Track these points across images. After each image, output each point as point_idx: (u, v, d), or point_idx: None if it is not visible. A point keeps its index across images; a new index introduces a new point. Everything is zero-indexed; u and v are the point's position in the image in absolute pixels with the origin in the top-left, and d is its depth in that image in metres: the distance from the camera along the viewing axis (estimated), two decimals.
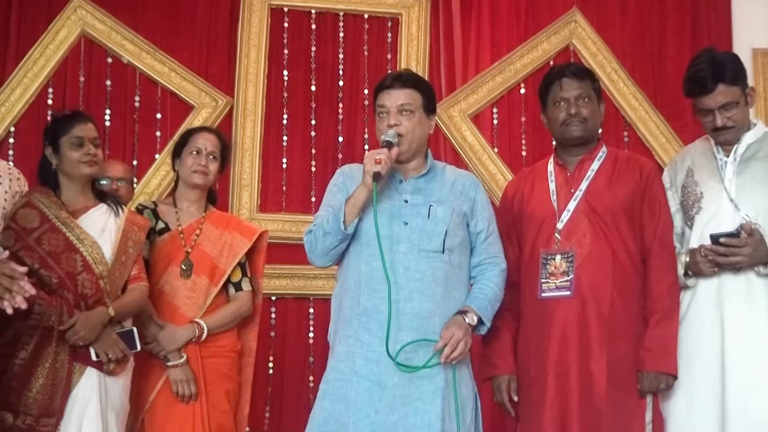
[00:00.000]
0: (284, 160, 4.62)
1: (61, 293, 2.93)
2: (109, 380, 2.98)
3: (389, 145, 2.76)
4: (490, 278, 2.86)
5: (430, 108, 2.90)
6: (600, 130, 4.54)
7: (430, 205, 2.81)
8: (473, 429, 2.81)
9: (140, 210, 3.33)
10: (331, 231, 2.76)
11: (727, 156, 3.01)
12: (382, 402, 2.68)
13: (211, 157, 3.35)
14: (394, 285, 2.67)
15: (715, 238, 2.88)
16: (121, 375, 3.02)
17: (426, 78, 4.56)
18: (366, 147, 4.58)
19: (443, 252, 2.78)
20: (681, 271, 2.97)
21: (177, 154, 3.41)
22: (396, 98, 2.82)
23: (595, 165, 3.06)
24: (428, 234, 2.78)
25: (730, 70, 2.94)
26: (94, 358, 2.93)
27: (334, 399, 2.73)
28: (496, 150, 4.69)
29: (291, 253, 4.50)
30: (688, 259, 2.96)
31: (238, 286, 3.38)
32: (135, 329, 3.06)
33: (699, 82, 2.96)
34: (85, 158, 3.05)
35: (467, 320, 2.74)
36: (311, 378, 4.38)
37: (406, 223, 2.77)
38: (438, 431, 2.67)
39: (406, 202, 2.82)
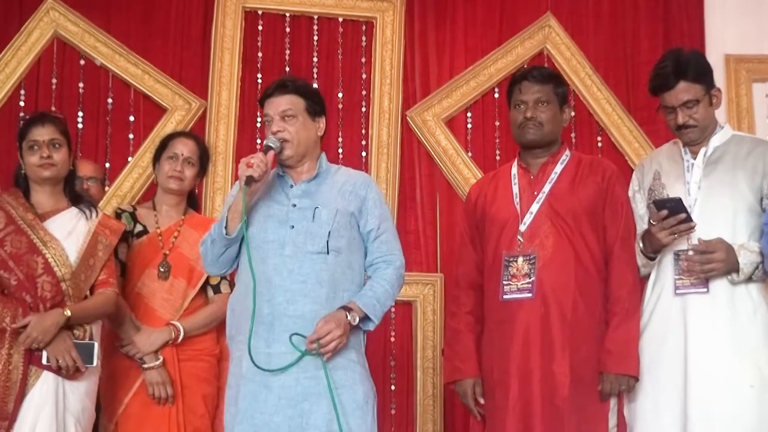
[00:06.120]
0: None
1: (18, 295, 2.91)
2: (68, 384, 2.95)
3: (267, 149, 2.81)
4: (382, 276, 2.86)
5: (314, 111, 2.92)
6: (573, 134, 4.66)
7: (316, 208, 2.83)
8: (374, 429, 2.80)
9: (118, 214, 3.33)
10: (216, 237, 2.80)
11: (695, 158, 3.02)
12: (267, 403, 2.70)
13: (187, 162, 3.36)
14: (278, 288, 2.73)
15: (658, 204, 2.87)
16: (81, 380, 2.98)
17: (399, 81, 4.63)
18: (340, 150, 4.58)
19: (328, 253, 2.79)
20: (641, 261, 2.98)
21: (157, 158, 3.41)
22: (278, 105, 2.87)
23: (558, 168, 3.06)
24: (312, 236, 2.80)
25: (693, 68, 2.97)
26: (44, 362, 2.90)
27: (229, 404, 2.81)
28: (470, 154, 4.68)
29: None
30: (642, 245, 2.96)
31: (216, 289, 3.36)
32: (96, 344, 3.02)
33: (662, 78, 2.99)
34: (39, 162, 3.04)
35: (348, 317, 2.73)
36: None
37: (293, 227, 2.80)
38: None
39: (295, 206, 2.84)
